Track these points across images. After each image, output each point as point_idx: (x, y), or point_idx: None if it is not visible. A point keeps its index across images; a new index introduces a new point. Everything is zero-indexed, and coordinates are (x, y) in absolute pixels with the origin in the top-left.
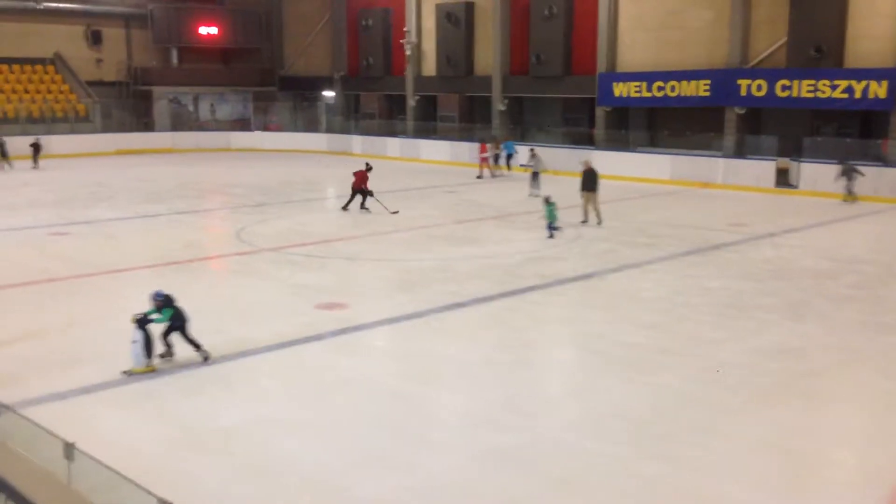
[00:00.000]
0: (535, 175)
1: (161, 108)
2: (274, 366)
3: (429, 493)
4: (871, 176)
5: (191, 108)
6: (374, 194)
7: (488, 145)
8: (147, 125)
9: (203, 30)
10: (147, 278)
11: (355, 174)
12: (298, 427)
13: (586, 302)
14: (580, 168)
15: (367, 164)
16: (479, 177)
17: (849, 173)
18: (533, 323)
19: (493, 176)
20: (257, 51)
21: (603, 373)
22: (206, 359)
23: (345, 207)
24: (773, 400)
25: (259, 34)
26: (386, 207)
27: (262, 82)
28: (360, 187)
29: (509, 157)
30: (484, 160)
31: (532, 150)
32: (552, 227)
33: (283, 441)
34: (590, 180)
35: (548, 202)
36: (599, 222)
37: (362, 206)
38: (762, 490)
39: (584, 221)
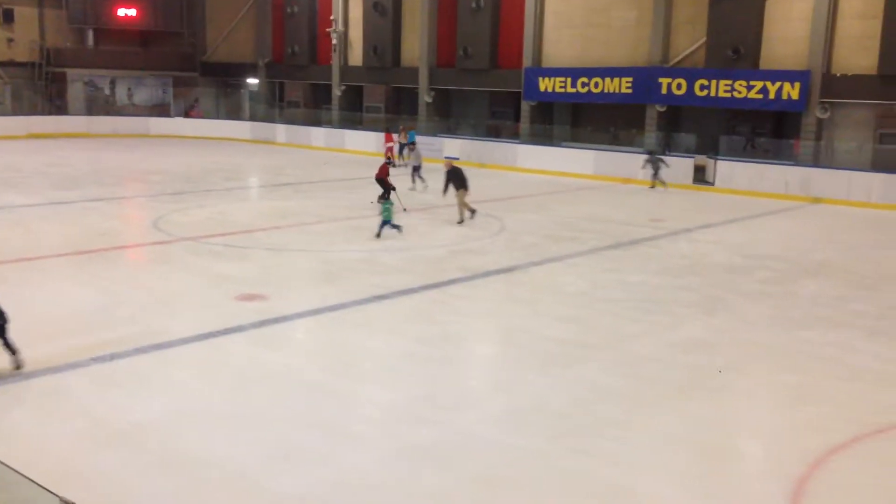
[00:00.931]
0: (415, 169)
1: (76, 90)
2: (191, 358)
3: (348, 487)
4: (783, 174)
5: (107, 91)
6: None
7: (395, 135)
8: (60, 108)
9: (121, 11)
10: (58, 268)
11: (381, 167)
12: (216, 421)
13: (509, 295)
14: (445, 168)
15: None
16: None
17: (654, 163)
18: (456, 316)
19: (396, 165)
20: (178, 35)
21: (524, 367)
22: (18, 367)
23: (385, 199)
24: (687, 394)
25: (180, 17)
26: (401, 203)
27: (183, 67)
28: (383, 178)
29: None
30: (390, 149)
31: (412, 143)
32: (391, 225)
33: (199, 435)
34: (460, 179)
35: (385, 199)
36: (461, 221)
37: (381, 198)
38: (673, 483)
39: (463, 220)
